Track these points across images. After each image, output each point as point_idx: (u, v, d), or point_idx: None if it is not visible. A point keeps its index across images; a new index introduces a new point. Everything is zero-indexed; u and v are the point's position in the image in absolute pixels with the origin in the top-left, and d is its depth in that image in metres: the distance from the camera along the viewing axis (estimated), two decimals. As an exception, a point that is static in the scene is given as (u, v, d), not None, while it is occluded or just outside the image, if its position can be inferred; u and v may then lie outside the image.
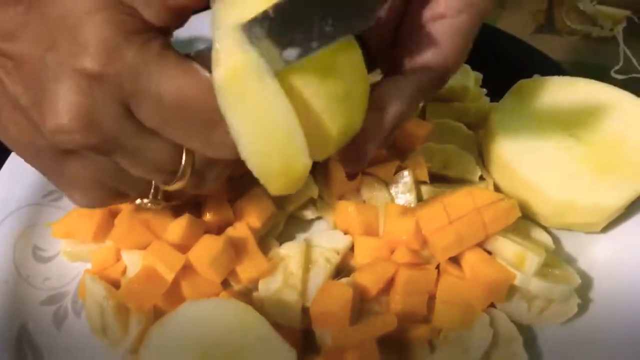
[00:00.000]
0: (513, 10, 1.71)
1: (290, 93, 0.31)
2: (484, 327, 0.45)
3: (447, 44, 0.38)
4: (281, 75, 0.31)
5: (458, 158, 0.55)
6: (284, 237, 0.53)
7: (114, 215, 0.50)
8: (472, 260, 0.47)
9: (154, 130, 0.34)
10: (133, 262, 0.48)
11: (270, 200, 0.50)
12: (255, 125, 0.31)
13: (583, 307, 0.49)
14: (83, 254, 0.51)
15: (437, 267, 0.48)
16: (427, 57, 0.38)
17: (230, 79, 0.30)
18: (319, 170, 0.53)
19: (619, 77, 1.46)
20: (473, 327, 0.45)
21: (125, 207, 0.49)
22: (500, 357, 0.45)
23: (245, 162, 0.33)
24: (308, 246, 0.49)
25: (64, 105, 0.32)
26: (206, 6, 0.34)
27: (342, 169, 0.52)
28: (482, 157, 0.58)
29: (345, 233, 0.51)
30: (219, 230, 0.49)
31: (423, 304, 0.46)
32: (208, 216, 0.49)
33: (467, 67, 0.63)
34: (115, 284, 0.48)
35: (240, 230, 0.48)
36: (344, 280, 0.47)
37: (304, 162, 0.33)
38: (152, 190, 0.42)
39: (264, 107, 0.31)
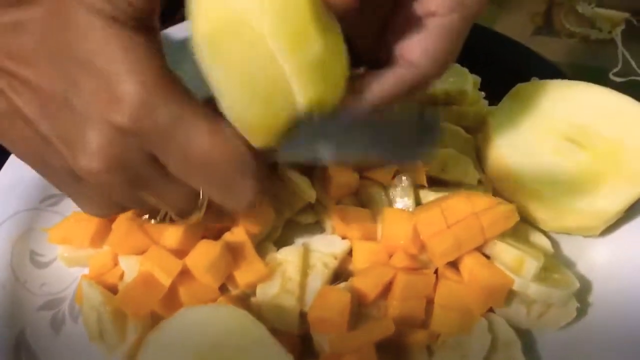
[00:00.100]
0: (512, 12, 1.71)
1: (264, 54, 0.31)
2: (482, 331, 0.45)
3: (434, 42, 0.38)
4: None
5: (456, 162, 0.55)
6: (282, 241, 0.53)
7: (111, 220, 0.49)
8: (470, 264, 0.47)
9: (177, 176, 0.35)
10: (130, 267, 0.47)
11: (268, 205, 0.50)
12: (238, 78, 0.32)
13: (582, 311, 0.49)
14: (80, 259, 0.51)
15: (436, 271, 0.48)
16: (413, 53, 0.38)
17: (212, 32, 0.31)
18: (317, 175, 0.53)
19: (618, 79, 1.47)
20: (471, 332, 0.45)
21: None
22: (499, 362, 0.45)
23: (226, 115, 0.33)
24: (306, 251, 0.49)
25: (93, 150, 0.33)
26: None
27: (341, 173, 0.52)
28: (480, 160, 0.58)
29: (343, 237, 0.51)
30: (216, 235, 0.49)
31: (421, 309, 0.46)
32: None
33: (466, 70, 0.63)
34: (113, 289, 0.48)
35: (237, 235, 0.48)
36: (342, 285, 0.47)
37: (288, 113, 0.33)
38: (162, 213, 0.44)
39: (248, 58, 0.31)
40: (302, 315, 0.46)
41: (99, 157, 0.33)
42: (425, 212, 0.48)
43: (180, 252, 0.46)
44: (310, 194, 0.51)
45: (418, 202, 0.53)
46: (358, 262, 0.49)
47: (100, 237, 0.50)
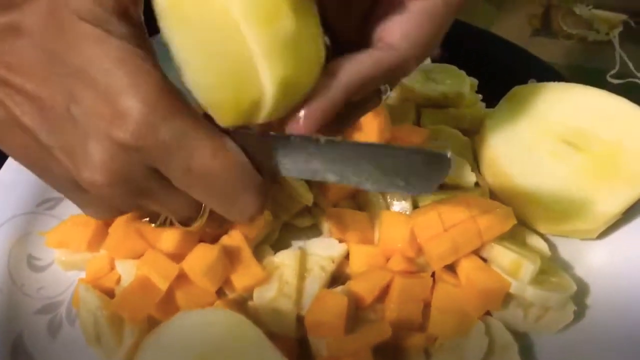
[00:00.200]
0: (510, 13, 1.71)
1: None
2: (479, 335, 0.45)
3: (416, 26, 0.36)
4: None
5: (453, 165, 0.55)
6: (279, 245, 0.53)
7: (108, 224, 0.50)
8: (467, 268, 0.47)
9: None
10: (127, 271, 0.47)
11: (265, 210, 0.50)
12: (202, 50, 0.30)
13: (579, 313, 0.48)
14: (77, 263, 0.51)
15: (433, 274, 0.48)
16: (393, 35, 0.37)
17: (175, 1, 0.30)
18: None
19: (615, 81, 1.47)
20: (469, 335, 0.45)
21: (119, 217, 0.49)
22: (496, 365, 0.45)
23: (191, 91, 0.32)
24: (303, 254, 0.49)
25: (95, 165, 0.33)
26: None
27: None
28: (477, 163, 0.58)
29: (341, 241, 0.51)
30: (213, 239, 0.49)
31: (418, 312, 0.46)
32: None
33: (463, 72, 0.63)
34: (110, 293, 0.48)
35: (234, 238, 0.48)
36: (339, 288, 0.46)
37: (258, 90, 0.32)
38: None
39: (211, 29, 0.30)
40: (300, 319, 0.46)
41: (102, 172, 0.33)
42: (422, 215, 0.48)
43: (177, 256, 0.46)
44: (307, 197, 0.51)
45: (415, 205, 0.53)
46: (355, 266, 0.49)
47: (97, 241, 0.50)
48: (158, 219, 0.47)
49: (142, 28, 0.32)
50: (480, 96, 0.64)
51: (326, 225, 0.53)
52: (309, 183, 0.53)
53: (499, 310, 0.47)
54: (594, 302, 0.50)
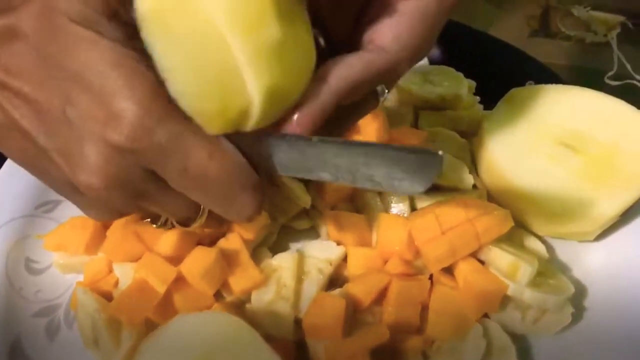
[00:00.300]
0: (508, 14, 1.71)
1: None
2: (477, 337, 0.45)
3: (407, 27, 0.36)
4: None
5: (451, 167, 0.55)
6: (277, 247, 0.53)
7: (106, 227, 0.50)
8: (465, 270, 0.47)
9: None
10: (125, 274, 0.47)
11: (263, 211, 0.50)
12: (186, 58, 0.30)
13: (577, 315, 0.48)
14: (75, 266, 0.51)
15: (430, 277, 0.48)
16: (384, 38, 0.36)
17: (161, 9, 0.29)
18: (312, 181, 0.53)
19: (613, 83, 1.47)
20: (466, 338, 0.45)
21: (117, 219, 0.49)
22: (494, 368, 0.45)
23: (176, 100, 0.32)
24: (301, 257, 0.49)
25: (91, 168, 0.33)
26: None
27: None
28: (475, 165, 0.58)
29: (338, 243, 0.51)
30: (211, 241, 0.49)
31: (416, 315, 0.46)
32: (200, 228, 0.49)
33: (461, 74, 0.63)
34: (108, 296, 0.48)
35: (232, 241, 0.48)
36: (336, 291, 0.46)
37: (244, 99, 0.31)
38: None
39: (195, 38, 0.29)
40: (297, 322, 0.46)
41: (97, 175, 0.33)
42: (420, 217, 0.48)
43: (175, 259, 0.46)
44: (305, 199, 0.51)
45: (413, 208, 0.53)
46: (353, 268, 0.49)
47: (95, 244, 0.50)
48: (159, 220, 0.46)
49: (135, 29, 0.32)
50: (478, 98, 0.64)
51: (324, 228, 0.53)
52: (307, 185, 0.53)
53: (496, 313, 0.47)
54: (591, 304, 0.50)
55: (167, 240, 0.46)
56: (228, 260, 0.47)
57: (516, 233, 0.52)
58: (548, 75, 0.73)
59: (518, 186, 0.52)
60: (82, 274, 0.50)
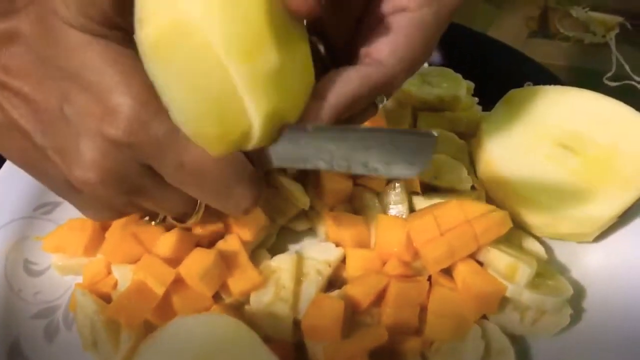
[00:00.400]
0: (507, 15, 1.72)
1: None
2: (476, 338, 0.45)
3: (403, 39, 0.36)
4: None
5: (450, 168, 0.55)
6: (276, 249, 0.53)
7: (105, 228, 0.50)
8: (463, 271, 0.47)
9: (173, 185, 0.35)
10: (123, 276, 0.47)
11: (261, 212, 0.50)
12: (187, 89, 0.30)
13: (576, 316, 0.49)
14: (74, 268, 0.51)
15: (429, 278, 0.48)
16: (381, 51, 0.36)
17: (158, 37, 0.29)
18: (310, 182, 0.53)
19: (612, 84, 1.47)
20: (465, 339, 0.45)
21: (116, 221, 0.49)
22: (493, 369, 0.45)
23: (180, 127, 0.32)
24: (300, 258, 0.49)
25: (87, 163, 0.33)
26: None
27: (334, 180, 0.52)
28: (473, 166, 0.58)
29: (337, 245, 0.51)
30: (209, 243, 0.49)
31: (415, 316, 0.46)
32: (199, 229, 0.49)
33: (459, 76, 0.63)
34: (106, 298, 0.48)
35: (231, 243, 0.48)
36: (335, 292, 0.47)
37: (244, 123, 0.32)
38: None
39: (198, 67, 0.30)
40: (296, 323, 0.46)
41: (94, 170, 0.33)
42: (418, 219, 0.48)
43: (173, 261, 0.46)
44: (303, 200, 0.51)
45: (412, 209, 0.54)
46: (352, 270, 0.49)
47: (93, 246, 0.50)
48: (157, 217, 0.47)
49: (132, 31, 0.32)
50: (476, 99, 0.64)
51: (323, 229, 0.53)
52: (305, 187, 0.53)
53: (495, 314, 0.47)
54: (590, 305, 0.50)
55: (166, 241, 0.46)
56: (227, 262, 0.47)
57: (515, 234, 0.52)
58: (546, 76, 0.73)
59: (516, 187, 0.52)
60: (80, 276, 0.50)
